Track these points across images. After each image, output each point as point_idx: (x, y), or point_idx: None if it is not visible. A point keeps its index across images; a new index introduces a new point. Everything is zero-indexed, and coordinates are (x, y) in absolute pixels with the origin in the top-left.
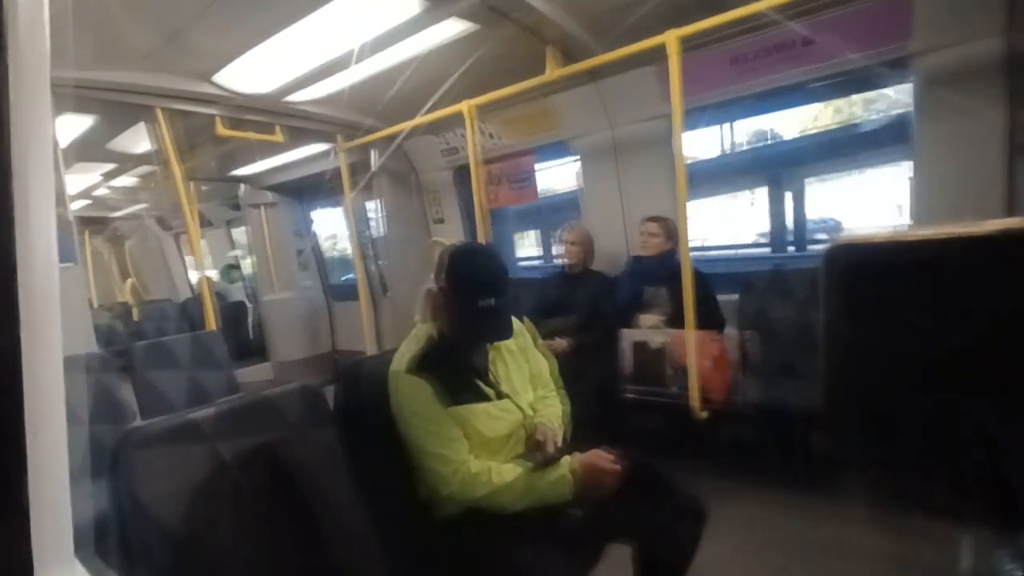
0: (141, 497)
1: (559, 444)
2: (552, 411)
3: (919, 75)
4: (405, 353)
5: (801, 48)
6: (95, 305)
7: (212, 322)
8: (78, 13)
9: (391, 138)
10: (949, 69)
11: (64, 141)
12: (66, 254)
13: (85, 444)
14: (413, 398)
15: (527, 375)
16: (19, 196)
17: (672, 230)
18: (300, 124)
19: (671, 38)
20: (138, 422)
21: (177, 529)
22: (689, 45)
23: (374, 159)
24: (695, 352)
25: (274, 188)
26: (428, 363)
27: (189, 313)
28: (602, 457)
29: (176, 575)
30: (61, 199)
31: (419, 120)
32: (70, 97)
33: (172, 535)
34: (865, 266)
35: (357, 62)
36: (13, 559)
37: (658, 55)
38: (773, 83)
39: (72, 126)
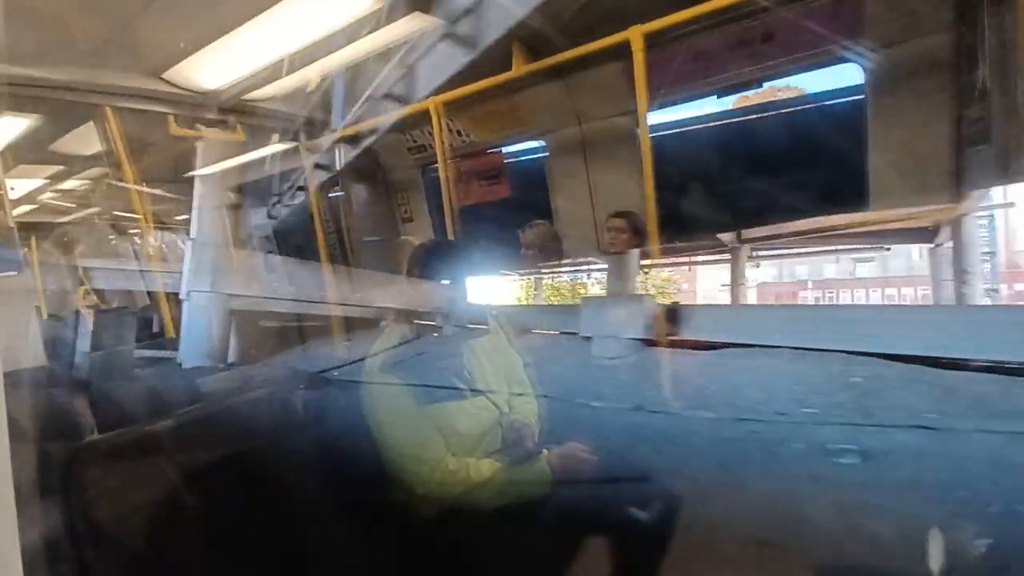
0: (98, 516)
1: (536, 440)
2: (528, 407)
3: (871, 70)
4: (378, 353)
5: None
6: (45, 315)
7: (172, 328)
8: (17, 6)
9: (357, 136)
10: (900, 64)
11: (1, 143)
12: (8, 262)
13: (34, 464)
14: (387, 398)
15: (502, 372)
16: None
17: (640, 225)
18: (261, 122)
19: (635, 34)
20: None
21: (138, 549)
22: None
23: (339, 157)
24: None
25: (235, 189)
26: (401, 362)
27: (148, 320)
28: (578, 448)
29: None
30: (0, 203)
31: (386, 117)
32: (6, 96)
33: (133, 556)
34: None
35: (319, 58)
36: None
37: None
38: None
39: (11, 127)
